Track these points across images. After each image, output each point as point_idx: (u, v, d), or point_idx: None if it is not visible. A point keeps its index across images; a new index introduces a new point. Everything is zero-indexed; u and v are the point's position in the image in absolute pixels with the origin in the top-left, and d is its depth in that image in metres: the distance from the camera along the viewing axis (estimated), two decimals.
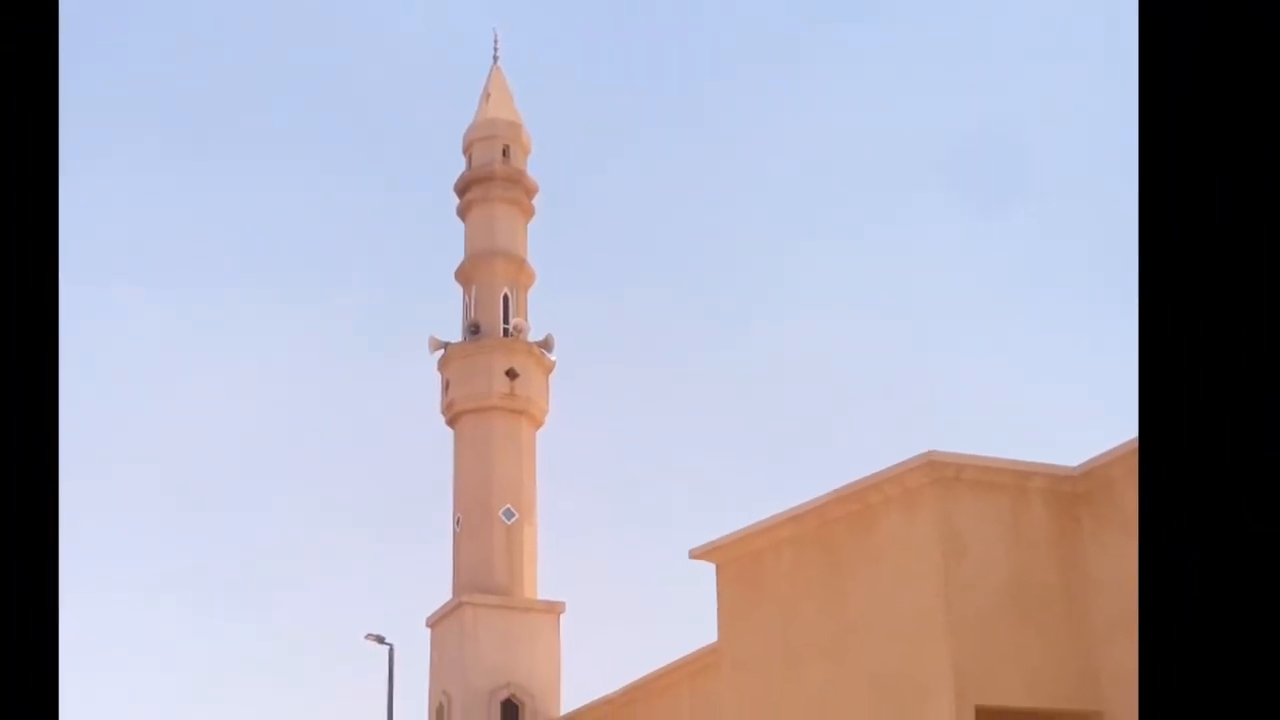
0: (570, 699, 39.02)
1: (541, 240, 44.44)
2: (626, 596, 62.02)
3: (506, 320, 42.04)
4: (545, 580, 40.81)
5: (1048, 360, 68.78)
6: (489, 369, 40.97)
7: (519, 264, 42.78)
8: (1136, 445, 23.78)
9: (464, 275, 43.00)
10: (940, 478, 23.40)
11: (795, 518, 25.75)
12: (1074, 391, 65.28)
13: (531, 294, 43.06)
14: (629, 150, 72.90)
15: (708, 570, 27.72)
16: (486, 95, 44.94)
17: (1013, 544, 23.61)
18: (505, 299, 42.35)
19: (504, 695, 38.48)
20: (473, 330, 41.99)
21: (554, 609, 39.87)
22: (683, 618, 69.42)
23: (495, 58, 45.83)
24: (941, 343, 70.12)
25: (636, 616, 63.81)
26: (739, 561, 27.00)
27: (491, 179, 43.23)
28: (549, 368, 42.16)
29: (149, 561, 67.07)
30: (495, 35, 46.32)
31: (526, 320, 42.25)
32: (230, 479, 70.35)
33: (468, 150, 44.28)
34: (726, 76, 73.54)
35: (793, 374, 71.02)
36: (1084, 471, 23.90)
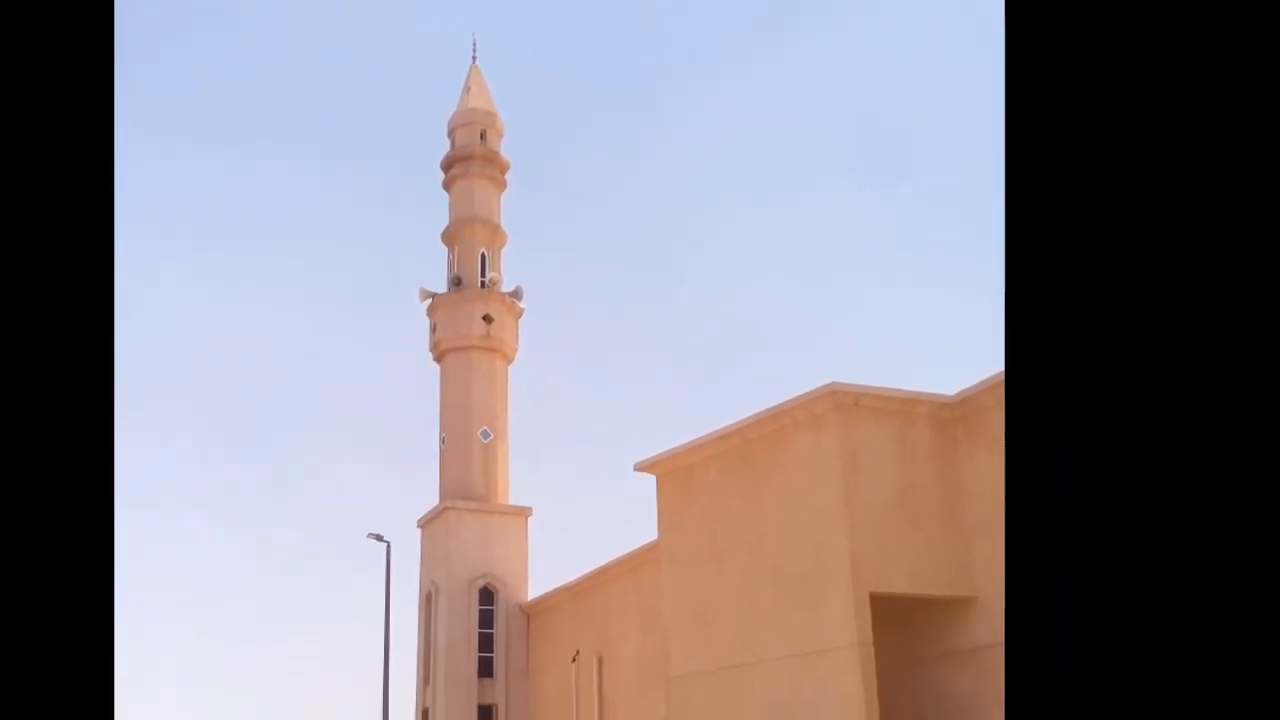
0: (536, 587, 39.11)
1: (513, 208, 44.26)
2: (582, 502, 62.24)
3: (483, 274, 41.93)
4: (516, 489, 40.82)
5: (930, 305, 69.22)
6: (469, 315, 40.90)
7: (494, 228, 42.59)
8: (1003, 376, 23.83)
9: (448, 237, 42.78)
10: (841, 404, 23.33)
11: (721, 437, 25.68)
12: (952, 331, 65.72)
13: (505, 253, 42.88)
14: (586, 134, 72.85)
15: (649, 480, 27.66)
16: (467, 88, 44.52)
17: (901, 459, 23.59)
18: (482, 257, 42.16)
19: (482, 584, 38.49)
20: (455, 283, 41.84)
21: (523, 513, 39.87)
22: (628, 520, 69.66)
23: (474, 57, 45.34)
24: (843, 291, 70.59)
25: (590, 519, 64.12)
26: (675, 473, 26.92)
27: (471, 158, 43.00)
28: (519, 314, 42.06)
29: (191, 474, 66.98)
30: (474, 39, 45.84)
31: (500, 274, 42.11)
32: (257, 406, 70.20)
33: (451, 134, 43.96)
34: (668, 74, 73.51)
35: (721, 318, 71.34)
36: (960, 398, 23.86)
